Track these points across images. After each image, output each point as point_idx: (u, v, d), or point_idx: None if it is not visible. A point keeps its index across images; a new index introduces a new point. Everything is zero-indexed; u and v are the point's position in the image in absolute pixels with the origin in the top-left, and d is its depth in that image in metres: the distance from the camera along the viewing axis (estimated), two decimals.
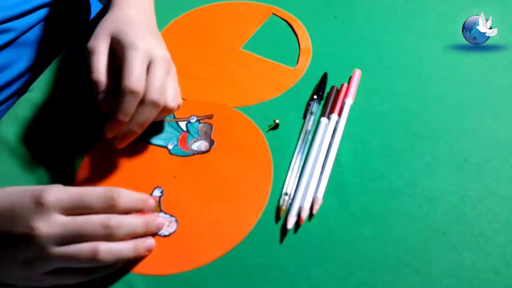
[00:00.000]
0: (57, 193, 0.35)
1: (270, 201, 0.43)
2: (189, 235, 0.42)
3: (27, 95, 0.54)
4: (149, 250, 0.40)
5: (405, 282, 0.38)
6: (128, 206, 0.39)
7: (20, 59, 0.63)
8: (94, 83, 0.42)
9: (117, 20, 0.45)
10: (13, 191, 0.37)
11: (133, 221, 0.38)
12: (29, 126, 0.51)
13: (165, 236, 0.41)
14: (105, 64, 0.43)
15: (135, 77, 0.41)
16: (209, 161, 0.47)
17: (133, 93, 0.41)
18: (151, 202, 0.41)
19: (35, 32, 0.65)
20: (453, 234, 0.40)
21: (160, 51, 0.44)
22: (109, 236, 0.36)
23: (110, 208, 0.37)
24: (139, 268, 0.40)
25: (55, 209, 0.35)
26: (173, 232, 0.42)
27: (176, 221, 0.43)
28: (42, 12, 0.66)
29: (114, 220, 0.36)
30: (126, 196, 0.38)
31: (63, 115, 0.52)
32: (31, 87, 0.55)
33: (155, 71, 0.43)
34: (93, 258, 0.35)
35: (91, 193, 0.37)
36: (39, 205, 0.35)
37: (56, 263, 0.35)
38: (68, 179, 0.46)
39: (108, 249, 0.36)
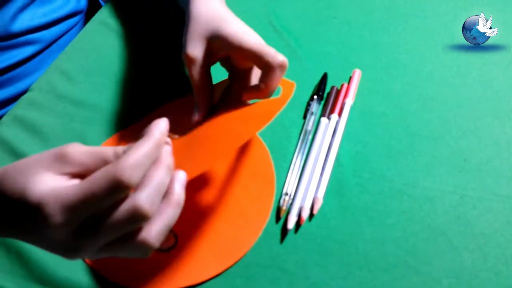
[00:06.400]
0: (61, 215, 0.27)
1: None
2: (188, 252, 0.40)
3: (27, 95, 0.54)
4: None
5: (405, 282, 0.38)
6: (141, 174, 0.28)
7: (43, 66, 0.62)
8: (196, 92, 0.43)
9: (201, 19, 0.44)
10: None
11: (156, 181, 0.28)
12: (30, 126, 0.51)
13: (163, 251, 0.40)
14: (206, 72, 0.43)
15: (276, 52, 0.40)
16: (212, 175, 0.45)
17: (282, 66, 0.40)
18: (168, 140, 0.31)
19: (62, 42, 0.65)
20: (453, 234, 0.40)
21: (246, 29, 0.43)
22: (146, 221, 0.28)
23: (123, 191, 0.27)
24: (135, 284, 0.39)
25: (69, 228, 0.28)
26: (172, 248, 0.40)
27: (175, 236, 0.41)
28: (71, 21, 0.66)
29: (142, 201, 0.27)
30: (134, 167, 0.27)
31: (64, 117, 0.52)
32: (31, 87, 0.55)
33: (258, 37, 0.43)
34: (144, 248, 0.29)
35: (94, 196, 0.27)
36: (54, 231, 0.27)
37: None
38: None
39: (155, 234, 0.29)
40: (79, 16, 0.68)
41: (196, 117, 0.43)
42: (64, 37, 0.65)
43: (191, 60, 0.43)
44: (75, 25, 0.67)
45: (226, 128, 0.40)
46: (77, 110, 0.52)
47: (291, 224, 0.41)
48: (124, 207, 0.28)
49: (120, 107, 0.52)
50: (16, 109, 0.52)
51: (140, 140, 0.29)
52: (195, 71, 0.43)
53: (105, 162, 0.29)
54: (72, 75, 0.56)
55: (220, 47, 0.43)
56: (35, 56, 0.61)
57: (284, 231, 0.41)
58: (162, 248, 0.40)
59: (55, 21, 0.63)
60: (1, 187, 0.29)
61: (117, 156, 0.29)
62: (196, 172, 0.33)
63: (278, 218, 0.42)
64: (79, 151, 0.29)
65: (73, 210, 0.27)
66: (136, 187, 0.28)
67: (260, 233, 0.41)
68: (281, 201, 0.43)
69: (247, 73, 0.44)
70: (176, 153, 0.33)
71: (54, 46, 0.64)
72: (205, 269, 0.39)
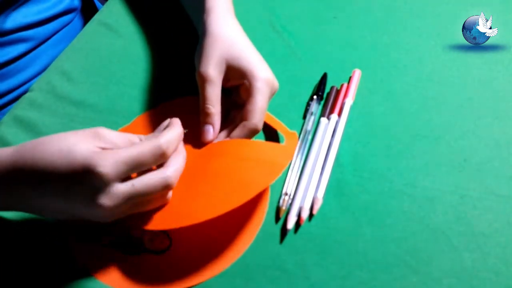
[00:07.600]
0: (112, 166, 0.34)
1: (270, 201, 0.43)
2: (182, 253, 0.40)
3: (28, 95, 0.54)
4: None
5: (405, 282, 0.38)
6: (174, 149, 0.38)
7: (36, 62, 0.62)
8: (205, 114, 0.43)
9: (224, 42, 0.44)
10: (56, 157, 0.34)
11: (180, 163, 0.38)
12: (30, 126, 0.51)
13: (157, 253, 0.40)
14: (219, 95, 0.43)
15: (261, 117, 0.42)
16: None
17: (255, 132, 0.42)
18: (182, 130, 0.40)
19: (55, 39, 0.65)
20: (453, 234, 0.40)
21: (270, 75, 0.44)
22: (169, 187, 0.36)
23: (162, 159, 0.37)
24: (130, 287, 0.38)
25: (114, 181, 0.34)
26: (166, 249, 0.40)
27: (169, 238, 0.41)
28: (65, 19, 0.66)
29: (170, 173, 0.36)
30: (172, 143, 0.37)
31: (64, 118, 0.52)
32: (31, 87, 0.55)
33: (266, 101, 0.43)
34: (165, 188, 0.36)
35: (144, 155, 0.35)
36: (97, 180, 0.33)
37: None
38: None
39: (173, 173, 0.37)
40: (73, 13, 0.68)
41: (209, 138, 0.43)
42: (57, 34, 0.65)
43: (208, 80, 0.42)
44: (69, 22, 0.67)
45: (234, 174, 0.40)
46: (77, 110, 0.52)
47: (290, 224, 0.41)
48: (158, 175, 0.36)
49: (120, 107, 0.52)
50: (16, 109, 0.52)
51: (171, 126, 0.39)
52: (211, 92, 0.43)
53: (131, 143, 0.37)
54: (72, 75, 0.56)
55: (236, 76, 0.43)
56: (28, 53, 0.61)
57: (284, 231, 0.41)
58: (156, 250, 0.40)
59: (49, 19, 0.63)
60: (41, 148, 0.34)
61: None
62: (204, 218, 0.37)
63: (277, 218, 0.42)
64: (110, 132, 0.36)
65: (125, 165, 0.34)
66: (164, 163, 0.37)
67: (256, 234, 0.41)
68: (281, 201, 0.43)
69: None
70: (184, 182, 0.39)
71: (47, 43, 0.64)
72: (201, 272, 0.39)
